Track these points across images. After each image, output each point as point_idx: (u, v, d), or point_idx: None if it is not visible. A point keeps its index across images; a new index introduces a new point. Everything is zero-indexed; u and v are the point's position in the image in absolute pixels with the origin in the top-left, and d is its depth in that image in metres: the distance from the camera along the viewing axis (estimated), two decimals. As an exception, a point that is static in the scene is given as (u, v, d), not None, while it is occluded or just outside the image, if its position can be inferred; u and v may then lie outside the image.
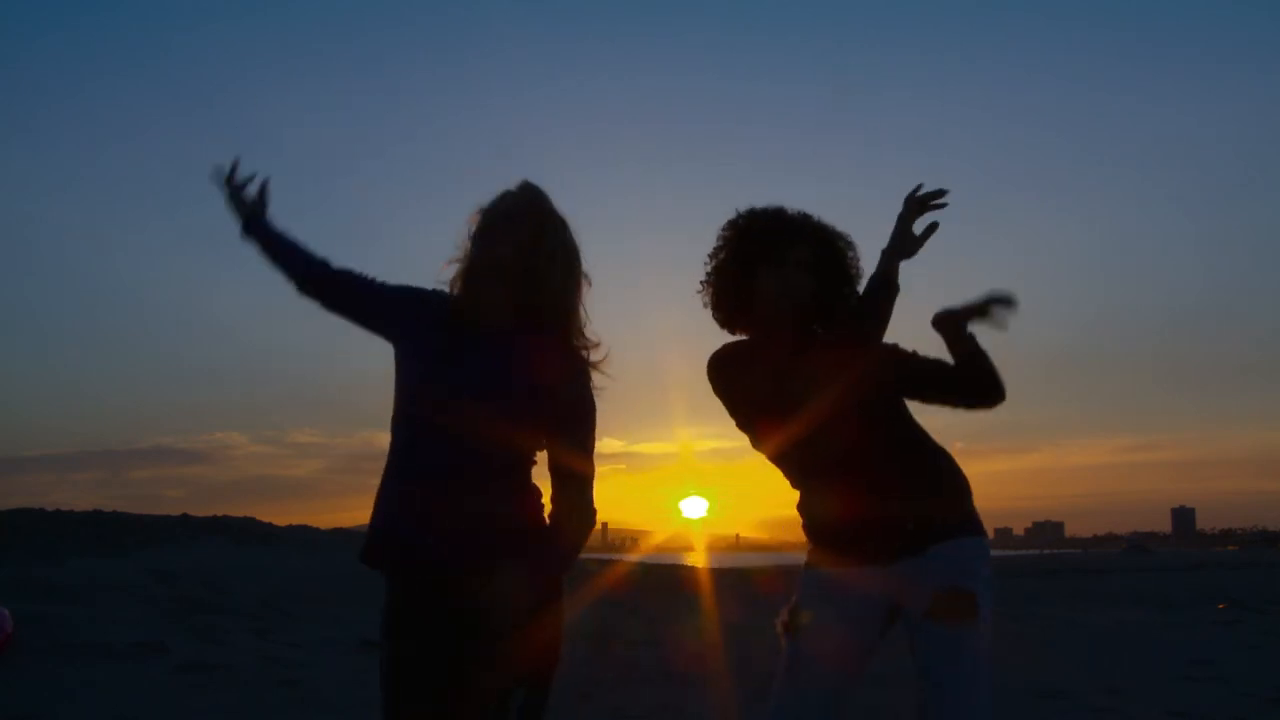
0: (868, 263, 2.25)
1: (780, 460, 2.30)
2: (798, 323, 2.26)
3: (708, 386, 2.38)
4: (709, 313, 2.36)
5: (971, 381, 2.27)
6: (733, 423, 2.37)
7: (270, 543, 22.56)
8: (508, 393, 2.02)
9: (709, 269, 2.35)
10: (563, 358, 2.05)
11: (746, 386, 2.31)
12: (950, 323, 2.28)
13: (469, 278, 2.06)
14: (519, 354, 2.03)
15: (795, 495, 2.34)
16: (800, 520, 2.32)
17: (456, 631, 1.99)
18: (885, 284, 2.17)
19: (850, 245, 2.30)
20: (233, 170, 2.32)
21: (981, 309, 2.26)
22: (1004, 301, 2.25)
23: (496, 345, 2.04)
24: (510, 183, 2.07)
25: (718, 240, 2.34)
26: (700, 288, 2.36)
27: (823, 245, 2.27)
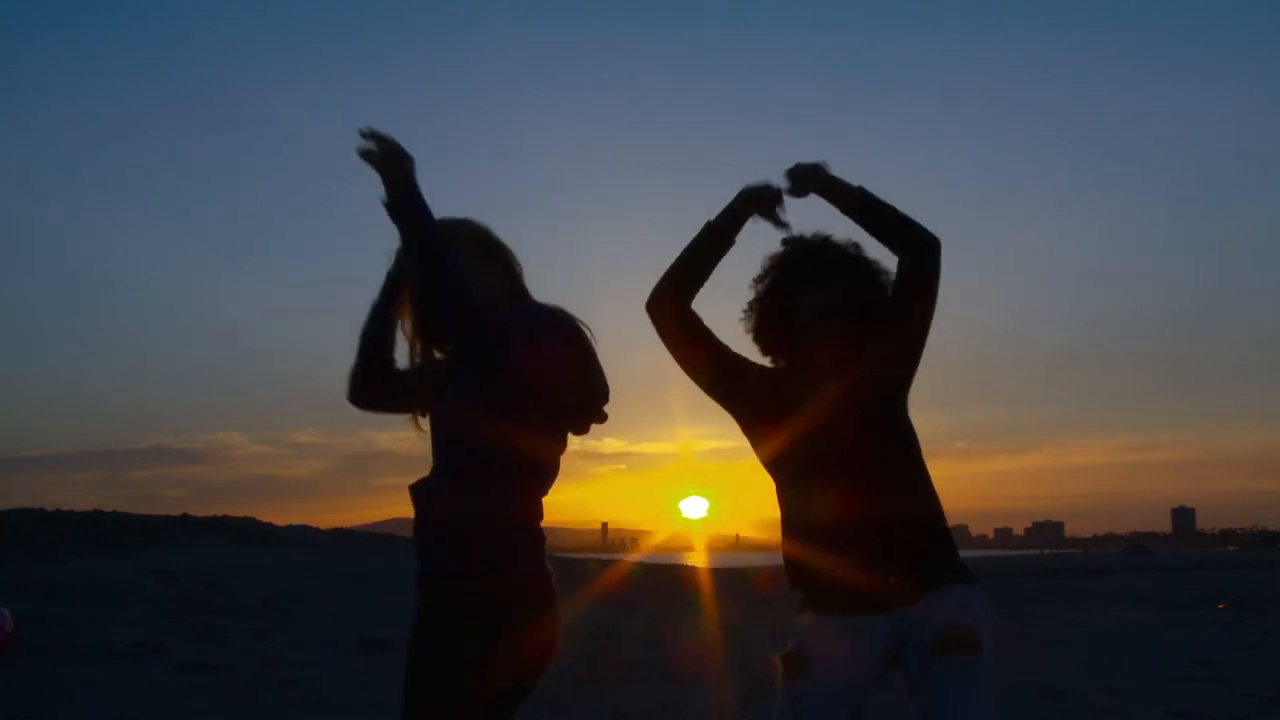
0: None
1: (778, 462, 2.29)
2: (844, 347, 2.24)
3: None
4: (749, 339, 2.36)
5: (891, 236, 2.22)
6: (733, 423, 2.37)
7: (270, 543, 22.57)
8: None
9: (754, 294, 2.34)
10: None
11: (745, 389, 2.31)
12: (814, 180, 2.25)
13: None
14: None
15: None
16: (784, 542, 2.26)
17: (415, 635, 1.98)
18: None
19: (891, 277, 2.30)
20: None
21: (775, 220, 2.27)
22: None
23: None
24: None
25: (762, 268, 2.34)
26: (743, 314, 2.35)
27: (866, 273, 2.27)
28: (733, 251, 2.30)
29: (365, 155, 1.93)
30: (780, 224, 2.27)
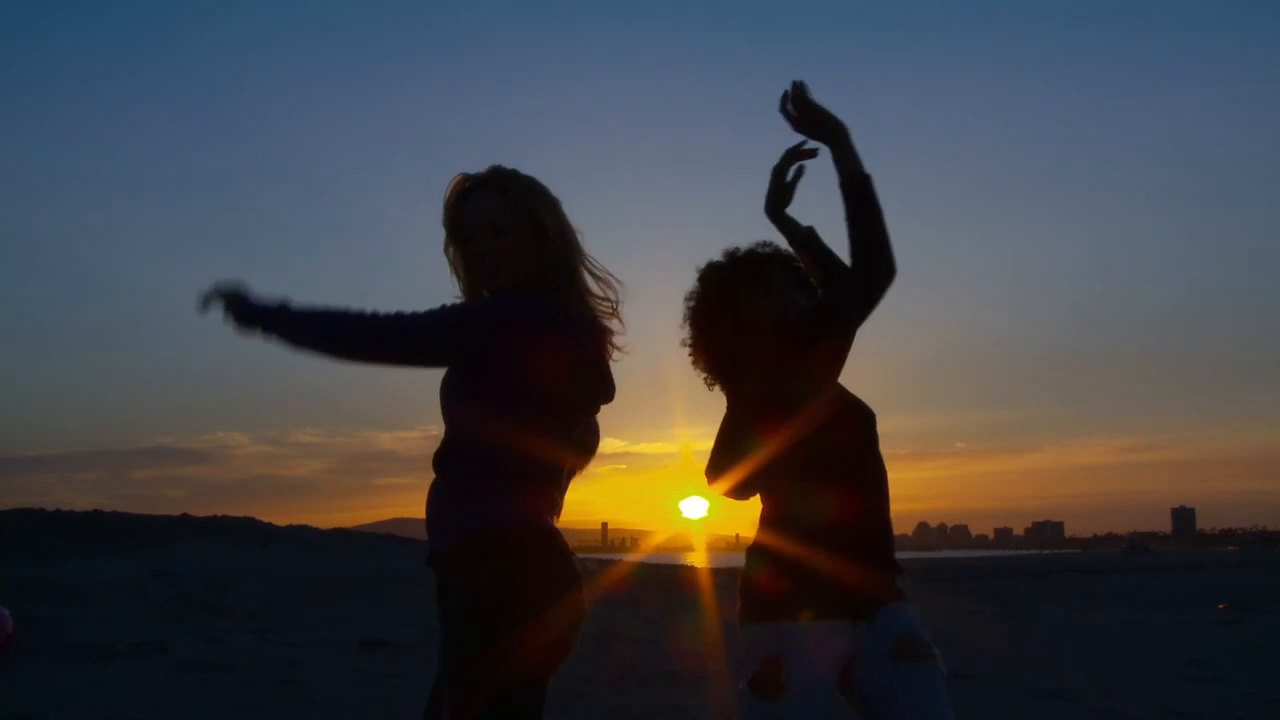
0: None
1: (776, 463, 2.27)
2: (839, 347, 2.24)
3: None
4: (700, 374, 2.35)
5: (865, 238, 2.13)
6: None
7: (270, 543, 22.53)
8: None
9: (695, 325, 2.33)
10: None
11: (744, 385, 2.30)
12: (777, 210, 2.27)
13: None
14: None
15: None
16: (779, 541, 2.22)
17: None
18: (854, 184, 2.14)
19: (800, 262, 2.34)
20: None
21: (785, 165, 2.26)
22: (799, 153, 2.25)
23: None
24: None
25: (693, 299, 2.33)
26: (689, 348, 2.34)
27: (788, 263, 2.30)
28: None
29: (209, 298, 1.95)
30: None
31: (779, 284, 2.27)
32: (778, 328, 2.22)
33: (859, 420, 2.23)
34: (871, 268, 2.10)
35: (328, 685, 6.84)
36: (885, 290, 2.13)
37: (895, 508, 2.29)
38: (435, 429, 2.12)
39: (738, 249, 2.31)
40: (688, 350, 2.35)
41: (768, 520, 2.26)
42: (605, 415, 2.16)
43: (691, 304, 2.34)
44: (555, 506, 2.04)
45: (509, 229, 2.05)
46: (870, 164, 2.18)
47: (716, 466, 2.29)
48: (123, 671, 6.96)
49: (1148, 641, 10.43)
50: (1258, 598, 17.42)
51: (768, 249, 2.31)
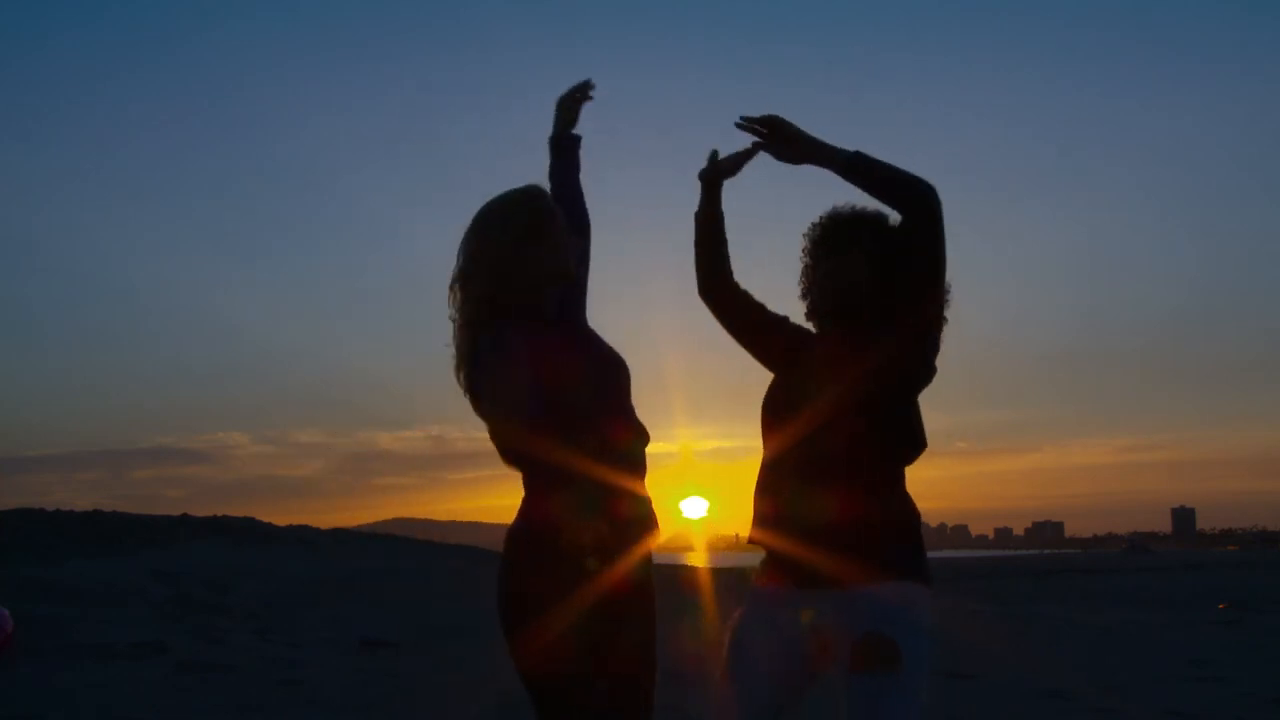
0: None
1: (779, 460, 2.26)
2: (845, 313, 2.23)
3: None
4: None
5: (883, 196, 2.14)
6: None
7: (270, 543, 22.52)
8: None
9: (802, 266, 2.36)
10: None
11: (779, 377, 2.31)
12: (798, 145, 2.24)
13: None
14: None
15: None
16: (777, 539, 2.20)
17: None
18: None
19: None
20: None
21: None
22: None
23: None
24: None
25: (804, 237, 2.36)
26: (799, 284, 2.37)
27: (884, 238, 2.21)
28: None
29: None
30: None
31: (847, 249, 2.22)
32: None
33: (864, 418, 2.16)
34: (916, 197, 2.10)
35: (328, 685, 6.84)
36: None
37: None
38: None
39: (853, 206, 2.27)
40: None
41: (768, 520, 2.24)
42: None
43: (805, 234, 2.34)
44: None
45: None
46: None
47: None
48: (123, 671, 6.96)
49: (1148, 641, 10.42)
50: (1258, 598, 17.42)
51: (872, 220, 2.25)
